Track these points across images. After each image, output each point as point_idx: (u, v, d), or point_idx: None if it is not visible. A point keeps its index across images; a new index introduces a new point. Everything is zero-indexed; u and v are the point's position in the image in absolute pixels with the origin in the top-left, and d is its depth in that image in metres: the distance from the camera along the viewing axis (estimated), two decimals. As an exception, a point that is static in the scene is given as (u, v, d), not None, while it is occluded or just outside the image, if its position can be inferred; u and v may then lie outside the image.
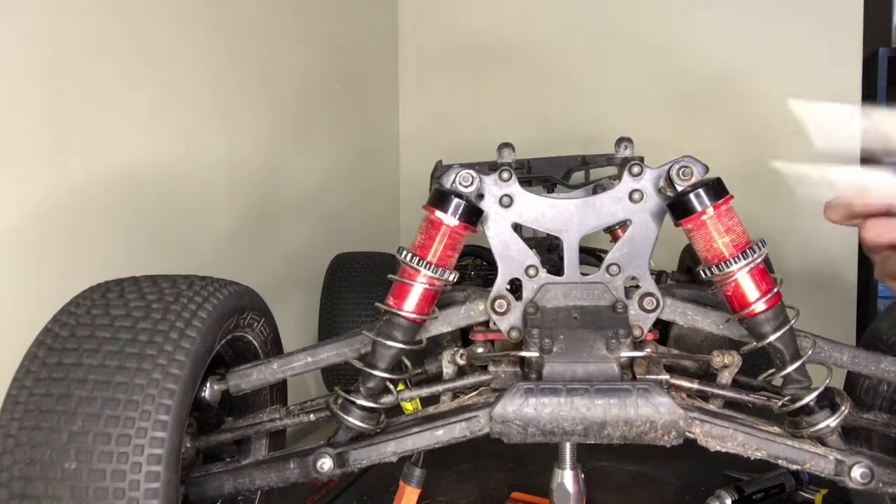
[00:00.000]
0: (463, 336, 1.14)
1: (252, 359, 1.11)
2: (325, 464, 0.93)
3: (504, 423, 0.89)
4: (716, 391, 0.97)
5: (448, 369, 1.03)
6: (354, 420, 0.95)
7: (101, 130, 1.31)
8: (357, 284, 1.91)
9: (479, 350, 1.07)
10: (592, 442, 0.89)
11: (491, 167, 2.04)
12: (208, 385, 1.04)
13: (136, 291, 0.95)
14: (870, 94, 2.21)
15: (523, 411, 0.88)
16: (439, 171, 2.13)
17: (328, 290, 1.94)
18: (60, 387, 0.85)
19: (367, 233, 2.38)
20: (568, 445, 1.06)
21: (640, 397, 0.87)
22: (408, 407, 1.10)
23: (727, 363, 0.97)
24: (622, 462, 1.58)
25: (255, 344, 1.11)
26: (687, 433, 0.90)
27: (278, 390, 1.19)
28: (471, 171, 0.96)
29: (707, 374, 1.08)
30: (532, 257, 1.00)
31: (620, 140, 1.04)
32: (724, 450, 0.90)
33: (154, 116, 1.44)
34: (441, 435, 0.92)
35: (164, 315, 0.91)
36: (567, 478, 1.08)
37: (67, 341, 0.88)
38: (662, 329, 1.12)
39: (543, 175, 1.93)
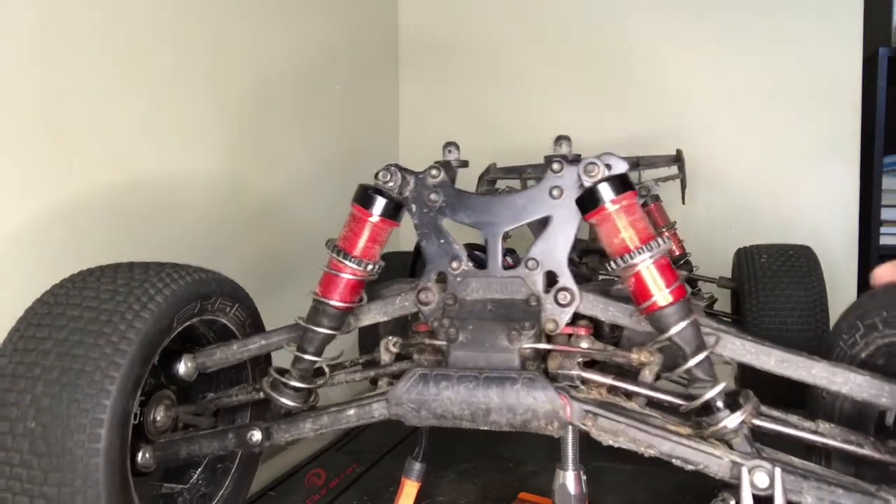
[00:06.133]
0: None
1: (229, 340, 1.23)
2: (255, 436, 1.03)
3: (399, 406, 0.94)
4: (628, 387, 0.96)
5: (385, 356, 1.10)
6: (283, 398, 1.04)
7: (101, 132, 1.41)
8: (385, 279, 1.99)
9: (425, 340, 1.12)
10: (484, 428, 0.93)
11: (533, 168, 2.07)
12: (182, 362, 1.17)
13: (110, 276, 1.09)
14: (869, 94, 2.16)
15: (416, 395, 0.93)
16: (491, 172, 2.18)
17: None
18: (30, 356, 0.99)
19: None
20: (570, 446, 1.06)
21: (523, 387, 0.90)
22: None
23: (644, 360, 0.97)
24: (622, 462, 1.55)
25: (231, 327, 1.22)
26: (580, 425, 0.91)
27: (261, 369, 1.30)
28: (391, 168, 1.02)
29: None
30: (456, 251, 1.05)
31: (559, 138, 1.06)
32: (616, 444, 0.91)
33: (153, 117, 1.53)
34: (352, 415, 0.99)
35: (125, 297, 1.04)
36: (569, 479, 1.09)
37: (44, 318, 1.03)
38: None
39: None
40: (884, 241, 2.18)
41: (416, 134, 2.70)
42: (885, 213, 2.17)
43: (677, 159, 2.12)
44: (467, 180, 2.06)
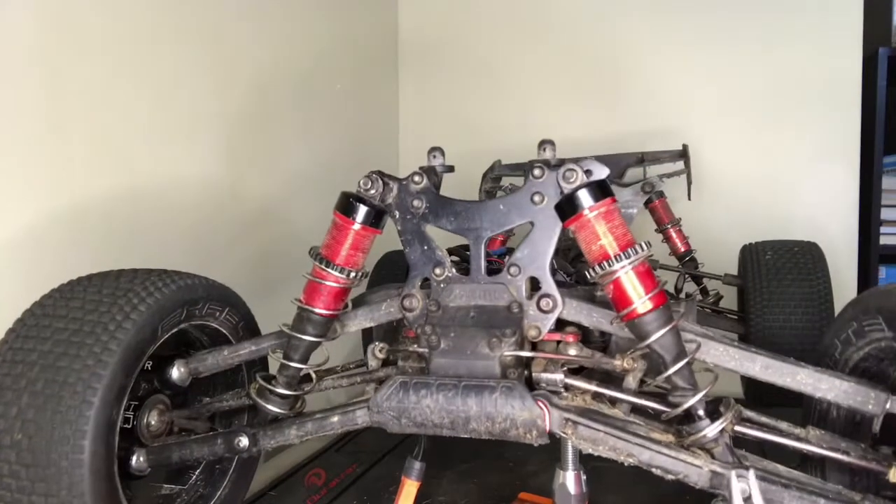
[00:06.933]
0: None
1: (223, 344, 1.23)
2: (242, 441, 1.04)
3: (380, 413, 0.94)
4: (613, 394, 0.95)
5: (372, 362, 1.09)
6: (268, 405, 1.04)
7: (101, 135, 1.42)
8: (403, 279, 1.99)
9: (414, 346, 1.12)
10: (464, 436, 0.92)
11: (533, 165, 2.06)
12: (175, 367, 1.18)
13: (97, 286, 1.08)
14: (869, 94, 2.15)
15: (396, 403, 0.93)
16: (496, 169, 2.17)
17: (376, 284, 2.04)
18: (17, 368, 1.00)
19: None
20: (570, 446, 1.06)
21: (501, 395, 0.89)
22: None
23: (627, 367, 0.96)
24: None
25: (223, 331, 1.22)
26: (559, 433, 0.90)
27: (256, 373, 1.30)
28: (372, 176, 1.01)
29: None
30: (440, 257, 1.04)
31: (542, 143, 1.04)
32: (596, 453, 0.90)
33: (152, 119, 1.54)
34: (336, 422, 0.99)
35: (108, 308, 1.04)
36: (569, 479, 1.09)
37: (31, 329, 1.04)
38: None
39: None
40: (884, 240, 2.18)
41: (416, 135, 2.69)
42: (885, 213, 2.17)
43: (683, 154, 2.09)
44: (473, 180, 2.06)
